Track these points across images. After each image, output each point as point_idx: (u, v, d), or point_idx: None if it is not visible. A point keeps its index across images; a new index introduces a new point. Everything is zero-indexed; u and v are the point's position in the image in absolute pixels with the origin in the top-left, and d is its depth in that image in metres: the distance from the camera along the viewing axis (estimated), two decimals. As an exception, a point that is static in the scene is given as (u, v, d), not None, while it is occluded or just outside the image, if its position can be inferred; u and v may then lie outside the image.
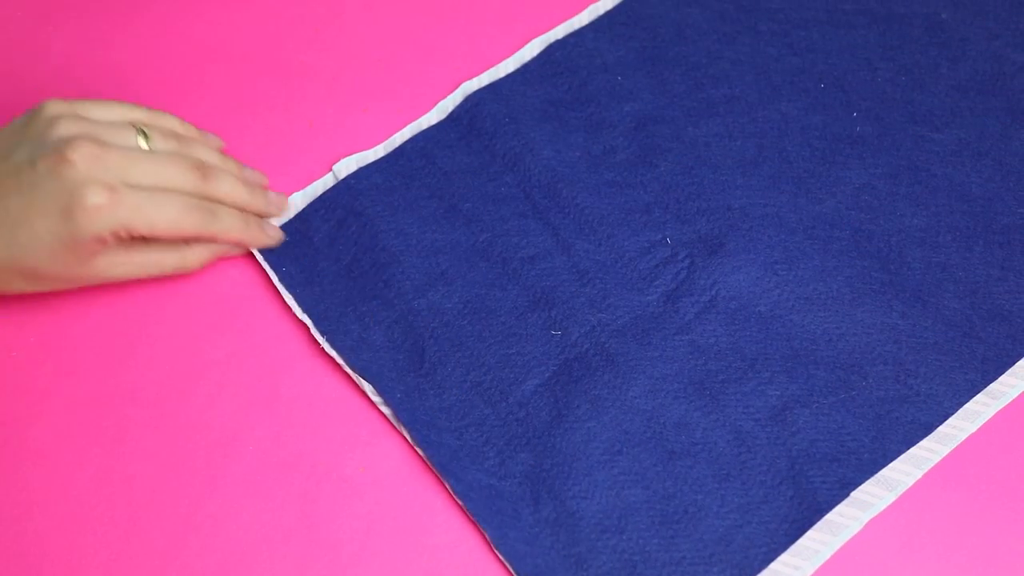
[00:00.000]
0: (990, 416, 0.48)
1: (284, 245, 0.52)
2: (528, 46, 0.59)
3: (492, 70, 0.58)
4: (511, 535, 0.44)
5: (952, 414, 0.48)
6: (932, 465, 0.47)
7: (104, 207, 0.43)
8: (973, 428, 0.47)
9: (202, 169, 0.48)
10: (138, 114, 0.49)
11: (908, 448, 0.47)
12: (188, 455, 0.47)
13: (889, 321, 0.50)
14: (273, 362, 0.49)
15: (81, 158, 0.43)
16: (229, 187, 0.49)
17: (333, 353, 0.49)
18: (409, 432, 0.47)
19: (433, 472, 0.46)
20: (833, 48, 0.59)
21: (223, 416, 0.48)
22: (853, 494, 0.46)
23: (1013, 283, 0.51)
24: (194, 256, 0.49)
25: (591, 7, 0.60)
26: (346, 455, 0.47)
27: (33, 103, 0.55)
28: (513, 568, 0.44)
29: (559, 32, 0.60)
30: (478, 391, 0.48)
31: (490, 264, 0.52)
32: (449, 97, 0.57)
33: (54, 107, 0.46)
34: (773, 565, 0.44)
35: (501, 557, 0.44)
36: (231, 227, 0.49)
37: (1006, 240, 0.52)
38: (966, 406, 0.48)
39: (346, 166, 0.54)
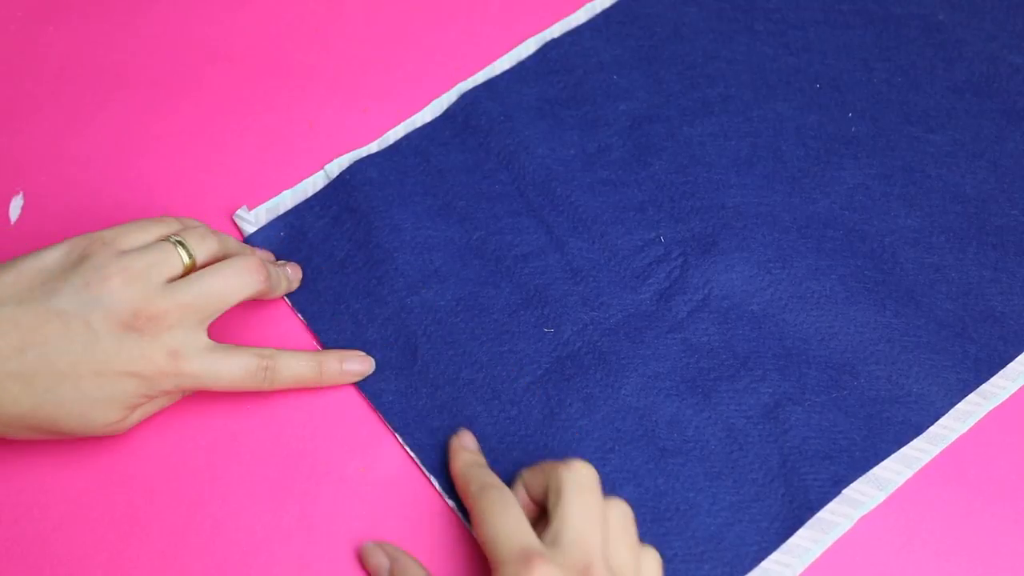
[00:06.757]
0: (981, 416, 0.48)
1: (281, 247, 0.52)
2: (524, 44, 0.59)
3: (488, 68, 0.58)
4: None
5: (943, 415, 0.48)
6: (923, 464, 0.47)
7: (166, 373, 0.42)
8: (964, 428, 0.48)
9: (253, 274, 0.45)
10: (163, 228, 0.45)
11: (899, 448, 0.47)
12: (188, 455, 0.47)
13: (882, 321, 0.50)
14: (272, 361, 0.50)
15: (142, 322, 0.41)
16: (286, 284, 0.49)
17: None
18: (400, 436, 0.48)
19: (431, 473, 0.47)
20: (829, 48, 0.59)
21: (223, 416, 0.48)
22: (844, 492, 0.46)
23: (1006, 284, 0.51)
24: None
25: (587, 5, 0.60)
26: (346, 455, 0.47)
27: (33, 103, 0.56)
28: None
29: (555, 31, 0.60)
30: (471, 389, 0.48)
31: (483, 261, 0.52)
32: (445, 95, 0.57)
33: (86, 245, 0.43)
34: (764, 563, 0.44)
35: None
36: (297, 377, 0.47)
37: (999, 241, 0.52)
38: (958, 406, 0.48)
39: (338, 165, 0.55)
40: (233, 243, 0.48)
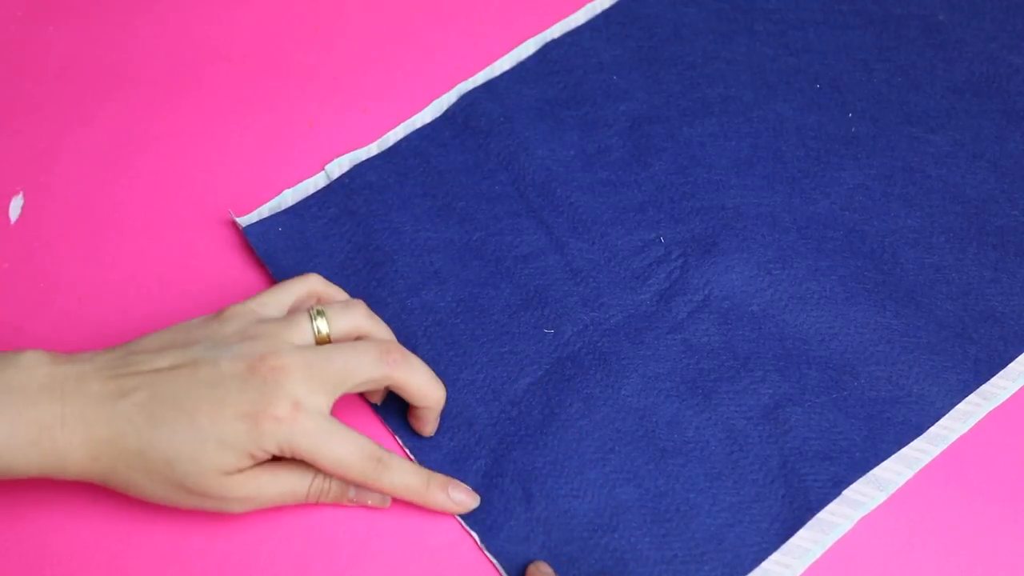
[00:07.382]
0: (981, 416, 0.48)
1: (278, 242, 0.52)
2: (524, 44, 0.59)
3: (488, 68, 0.58)
4: (502, 535, 0.45)
5: (944, 415, 0.48)
6: (923, 465, 0.47)
7: (282, 421, 0.41)
8: (964, 429, 0.48)
9: (387, 355, 0.43)
10: (305, 292, 0.46)
11: (900, 448, 0.47)
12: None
13: (882, 321, 0.50)
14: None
15: (267, 369, 0.41)
16: (421, 377, 0.45)
17: None
18: (399, 437, 0.47)
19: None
20: (829, 49, 0.59)
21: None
22: (844, 493, 0.46)
23: (1006, 285, 0.51)
24: (337, 493, 0.45)
25: (587, 6, 0.60)
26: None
27: (33, 103, 0.56)
28: (503, 568, 0.44)
29: (555, 31, 0.60)
30: (471, 390, 0.48)
31: (483, 263, 0.52)
32: (444, 96, 0.57)
33: (231, 309, 0.44)
34: (764, 564, 0.44)
35: (490, 557, 0.45)
36: (404, 484, 0.44)
37: (999, 242, 0.52)
38: (958, 406, 0.48)
39: (339, 165, 0.55)
40: (380, 329, 0.46)
